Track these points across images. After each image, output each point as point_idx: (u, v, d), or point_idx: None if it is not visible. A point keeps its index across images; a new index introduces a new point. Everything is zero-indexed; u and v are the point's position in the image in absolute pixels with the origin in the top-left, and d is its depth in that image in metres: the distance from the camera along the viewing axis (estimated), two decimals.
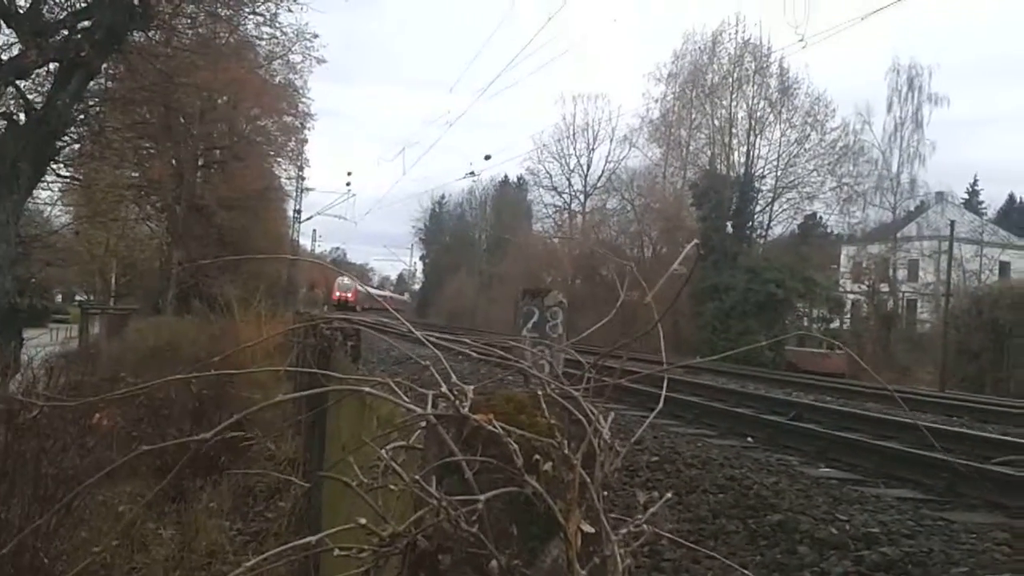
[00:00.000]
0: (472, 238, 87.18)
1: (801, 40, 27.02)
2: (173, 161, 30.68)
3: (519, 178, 77.18)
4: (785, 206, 46.11)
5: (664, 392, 1.46)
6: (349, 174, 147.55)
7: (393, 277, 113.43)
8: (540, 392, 1.33)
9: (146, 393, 9.06)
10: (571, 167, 63.80)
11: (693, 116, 47.96)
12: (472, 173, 58.82)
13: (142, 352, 16.92)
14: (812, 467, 8.83)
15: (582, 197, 63.62)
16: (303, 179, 49.39)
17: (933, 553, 5.14)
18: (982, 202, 70.51)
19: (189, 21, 19.78)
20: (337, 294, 74.79)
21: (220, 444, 7.02)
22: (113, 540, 6.11)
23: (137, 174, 27.42)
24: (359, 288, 74.77)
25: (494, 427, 1.21)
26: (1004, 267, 45.32)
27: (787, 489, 6.97)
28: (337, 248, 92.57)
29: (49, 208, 30.45)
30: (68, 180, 24.58)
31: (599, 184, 61.36)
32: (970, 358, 31.32)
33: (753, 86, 45.46)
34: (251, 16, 22.56)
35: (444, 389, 1.32)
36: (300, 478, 7.44)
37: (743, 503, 6.60)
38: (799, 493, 6.85)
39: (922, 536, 5.59)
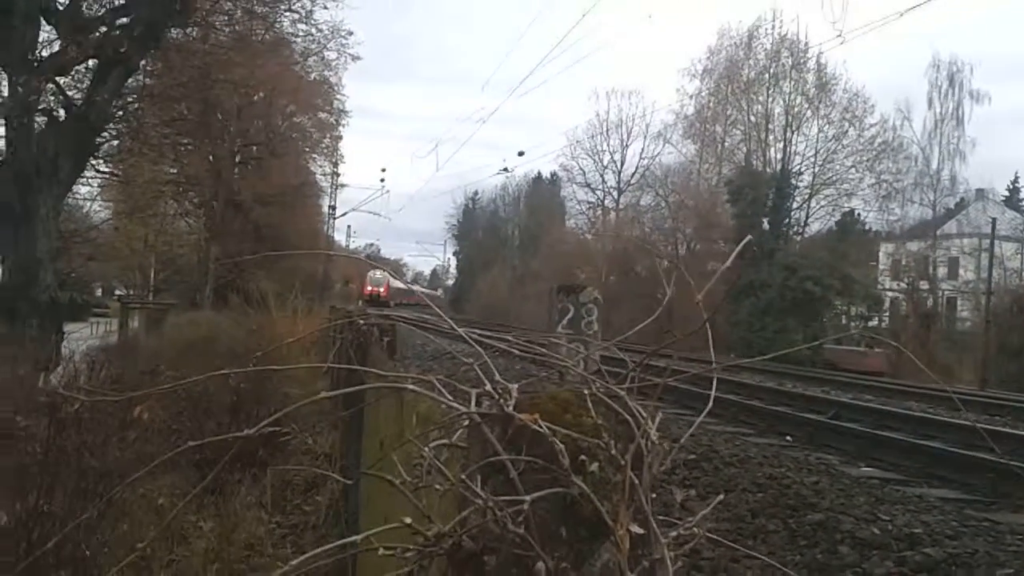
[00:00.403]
0: (505, 234, 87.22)
1: (839, 35, 26.63)
2: (210, 157, 30.98)
3: (552, 174, 77.16)
4: (823, 203, 45.72)
5: (713, 392, 1.43)
6: (383, 170, 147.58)
7: (427, 273, 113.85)
8: (586, 391, 1.30)
9: (185, 387, 9.15)
10: (605, 163, 63.57)
11: (728, 112, 47.63)
12: (505, 169, 58.87)
13: (180, 346, 17.10)
14: (853, 466, 8.73)
15: (616, 193, 63.38)
16: (338, 175, 49.75)
17: (978, 555, 5.05)
18: (1023, 199, 69.29)
19: (226, 18, 19.98)
20: (368, 288, 70.71)
21: (259, 438, 7.06)
22: (153, 533, 6.17)
23: (175, 170, 27.75)
24: (391, 282, 72.61)
25: (539, 426, 1.19)
26: None
27: (827, 488, 6.88)
28: (371, 244, 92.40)
29: (89, 203, 30.96)
30: (107, 176, 24.94)
31: (633, 180, 61.11)
32: (1011, 356, 30.81)
33: (790, 82, 45.07)
34: (287, 13, 22.72)
35: (488, 387, 1.30)
36: (337, 472, 7.47)
37: (782, 502, 6.53)
38: (840, 493, 6.77)
39: (966, 537, 5.50)
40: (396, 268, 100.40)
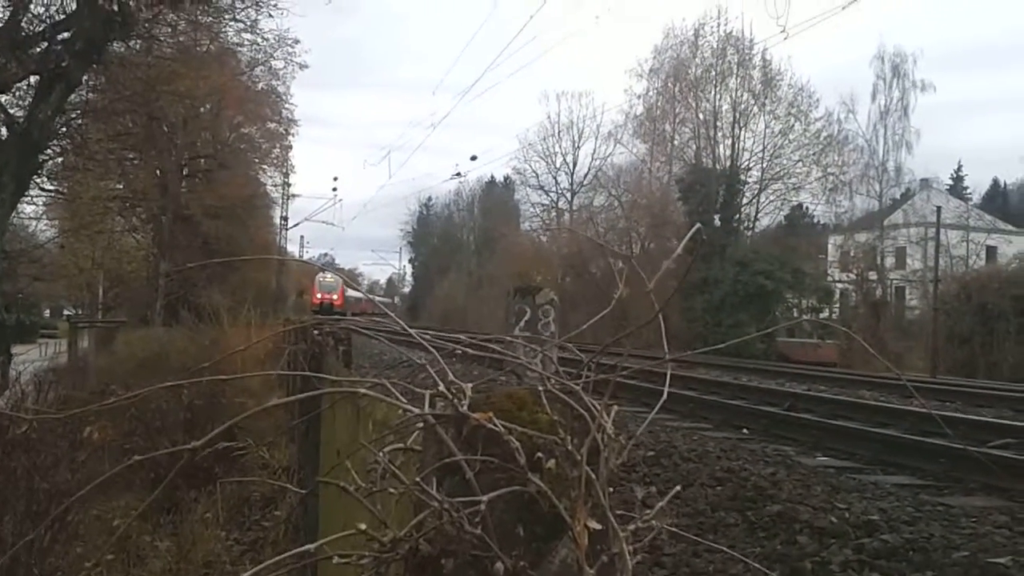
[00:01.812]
0: (460, 239, 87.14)
1: (783, 31, 27.04)
2: (157, 171, 30.59)
3: (506, 178, 77.33)
4: (772, 197, 46.27)
5: (667, 385, 1.43)
6: (335, 179, 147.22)
7: (383, 281, 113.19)
8: (540, 388, 1.29)
9: (136, 405, 9.00)
10: (557, 165, 63.90)
11: (677, 110, 48.02)
12: (458, 174, 58.70)
13: (131, 364, 16.84)
14: (809, 456, 8.83)
15: (569, 195, 63.70)
16: (289, 185, 49.23)
17: (934, 538, 5.13)
18: (967, 187, 71.06)
19: (169, 29, 19.69)
20: (319, 296, 60.23)
21: (213, 454, 6.96)
22: (108, 554, 6.05)
23: (121, 185, 27.33)
24: (346, 289, 63.11)
25: (494, 425, 1.18)
26: (991, 251, 45.52)
27: (785, 479, 6.95)
28: (325, 254, 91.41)
29: (34, 222, 30.35)
30: (52, 193, 24.49)
31: (585, 181, 61.47)
32: (960, 343, 31.46)
33: (736, 79, 45.56)
34: (232, 23, 22.51)
35: (442, 388, 1.28)
36: (295, 486, 7.39)
37: (741, 495, 6.58)
38: (797, 483, 6.84)
39: (922, 522, 5.58)
40: (352, 277, 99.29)
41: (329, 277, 59.46)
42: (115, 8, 14.94)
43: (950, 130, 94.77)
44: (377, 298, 79.32)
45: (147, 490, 7.54)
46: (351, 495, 1.26)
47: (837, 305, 43.27)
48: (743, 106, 45.31)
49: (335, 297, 60.10)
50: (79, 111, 19.02)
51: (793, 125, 45.00)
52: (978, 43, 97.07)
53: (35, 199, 24.21)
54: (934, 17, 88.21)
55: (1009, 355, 29.69)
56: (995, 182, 75.69)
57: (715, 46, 45.95)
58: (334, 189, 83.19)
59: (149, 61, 18.35)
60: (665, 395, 1.49)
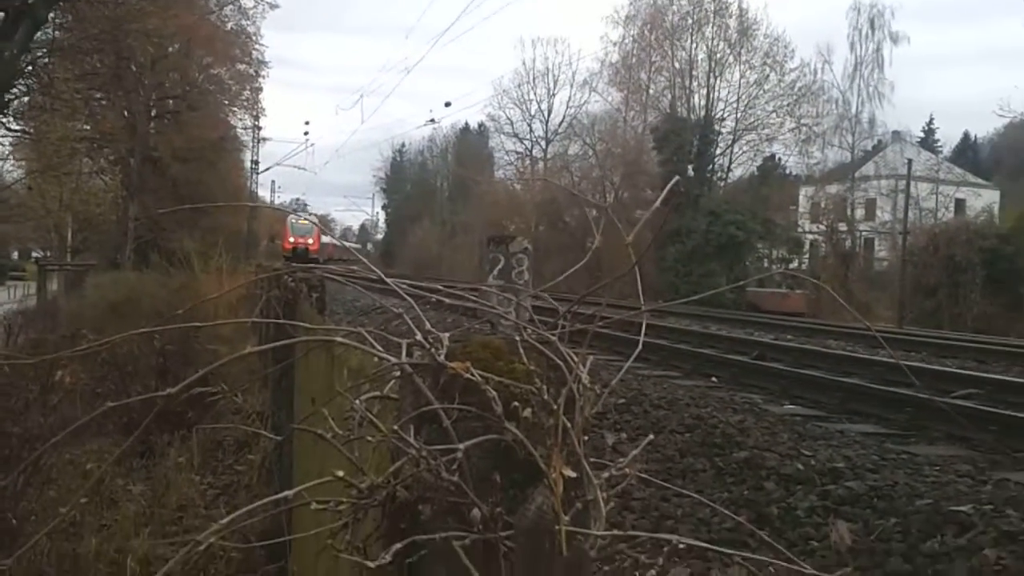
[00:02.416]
0: (434, 186, 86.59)
1: None
2: (125, 112, 30.02)
3: (480, 125, 76.72)
4: (745, 148, 46.31)
5: (642, 336, 1.45)
6: (307, 123, 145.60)
7: (355, 228, 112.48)
8: (517, 338, 1.31)
9: (109, 350, 8.95)
10: (532, 113, 63.46)
11: (653, 59, 47.69)
12: (432, 120, 58.18)
13: (102, 308, 16.70)
14: (776, 405, 8.97)
15: (543, 143, 63.38)
16: (259, 129, 48.54)
17: (898, 486, 5.26)
18: (938, 140, 71.45)
19: None
20: (291, 240, 54.60)
21: (187, 399, 6.96)
22: (82, 498, 6.06)
23: (89, 126, 26.79)
24: (321, 234, 58.78)
25: (472, 375, 1.19)
26: (960, 204, 46.02)
27: (752, 427, 7.06)
28: (297, 199, 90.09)
29: (0, 163, 29.75)
30: (19, 133, 24.00)
31: (560, 130, 61.15)
32: (927, 294, 31.87)
33: (713, 27, 45.28)
34: None
35: (419, 337, 1.29)
36: (269, 431, 7.42)
37: (709, 441, 6.68)
38: (764, 431, 6.95)
39: (886, 470, 5.71)
40: (324, 223, 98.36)
41: (303, 219, 54.84)
42: None
43: (922, 83, 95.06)
44: (349, 244, 77.94)
45: (120, 434, 7.55)
46: (329, 442, 1.28)
47: (807, 256, 43.66)
48: (719, 55, 45.12)
49: (310, 241, 54.36)
50: (45, 49, 18.59)
51: (768, 75, 44.94)
52: None
53: (1, 139, 23.75)
54: None
55: (974, 306, 30.17)
56: (966, 135, 76.22)
57: None
58: (306, 134, 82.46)
59: None
60: (640, 346, 1.51)
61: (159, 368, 9.76)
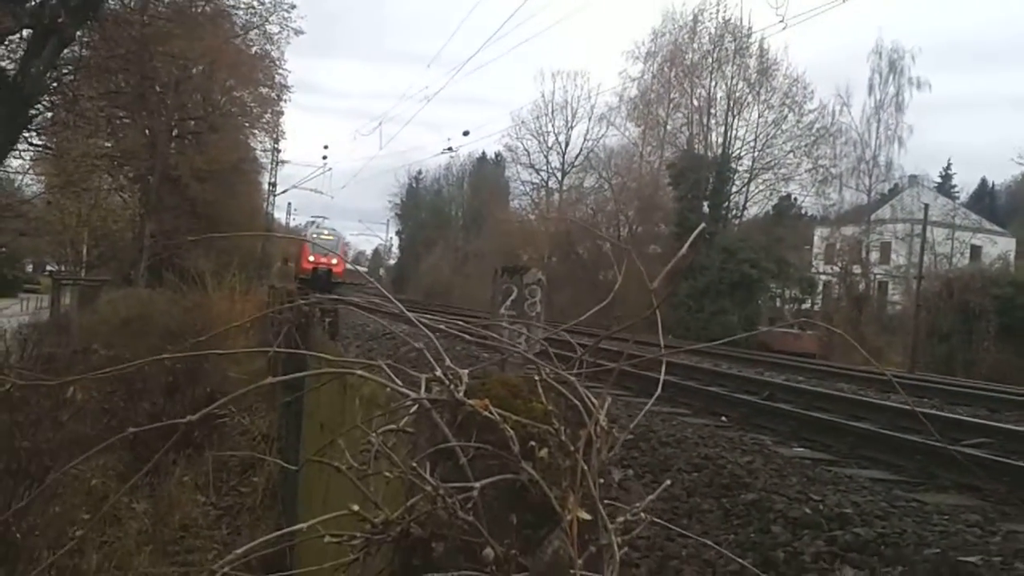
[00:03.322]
0: (449, 214, 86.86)
1: (781, 21, 27.03)
2: (147, 131, 30.28)
3: (497, 154, 77.05)
4: (761, 187, 46.37)
5: (662, 378, 1.45)
6: (325, 147, 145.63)
7: (368, 252, 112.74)
8: (536, 377, 1.31)
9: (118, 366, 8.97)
10: (549, 144, 63.71)
11: (671, 95, 47.92)
12: (450, 149, 58.33)
13: (114, 324, 16.75)
14: (785, 447, 8.89)
15: (559, 175, 63.58)
16: (278, 152, 48.85)
17: (906, 534, 5.20)
18: (955, 186, 71.33)
19: None
20: (311, 260, 44.87)
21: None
22: (85, 514, 6.05)
23: (110, 144, 27.04)
24: (345, 255, 51.64)
25: (491, 413, 1.19)
26: (975, 251, 45.82)
27: (761, 468, 7.01)
28: (314, 221, 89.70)
29: (21, 177, 30.03)
30: (40, 149, 24.23)
31: (577, 162, 61.36)
32: (940, 340, 31.68)
33: (732, 66, 45.51)
34: None
35: (439, 373, 1.29)
36: (275, 455, 7.41)
37: (717, 482, 6.63)
38: (773, 473, 6.90)
39: (895, 517, 5.65)
40: (338, 246, 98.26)
41: (325, 233, 47.73)
42: None
43: (941, 128, 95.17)
44: (361, 269, 77.31)
45: (125, 450, 7.54)
46: (345, 475, 1.27)
47: (820, 297, 43.50)
48: (738, 94, 45.33)
49: (334, 261, 44.85)
50: (72, 67, 18.83)
51: (787, 115, 45.14)
52: (972, 41, 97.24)
53: (23, 153, 23.95)
54: (930, 13, 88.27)
55: (987, 354, 29.96)
56: (983, 182, 76.13)
57: (713, 32, 45.89)
58: (324, 158, 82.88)
59: (144, 20, 18.19)
60: (660, 389, 1.51)
61: (168, 386, 9.77)
